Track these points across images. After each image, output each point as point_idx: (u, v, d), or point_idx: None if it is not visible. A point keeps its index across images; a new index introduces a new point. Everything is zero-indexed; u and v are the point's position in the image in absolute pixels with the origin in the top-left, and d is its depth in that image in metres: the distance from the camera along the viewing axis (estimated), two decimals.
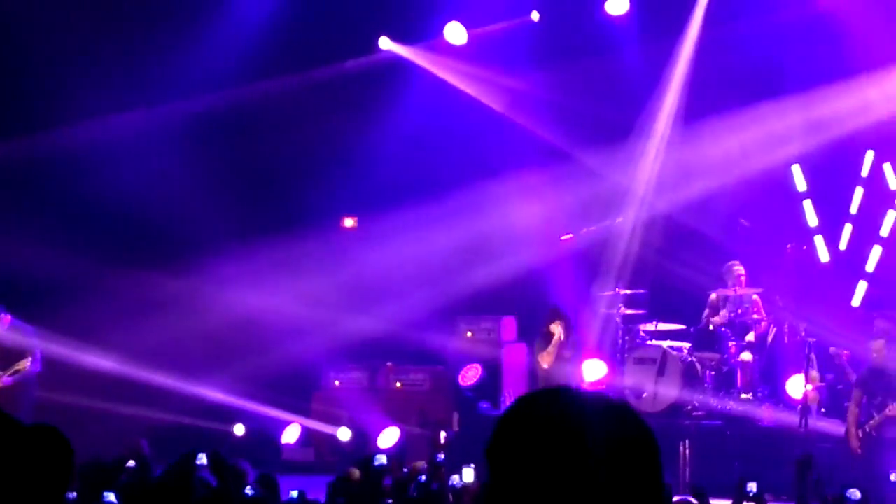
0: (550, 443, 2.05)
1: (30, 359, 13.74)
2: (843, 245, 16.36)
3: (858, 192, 16.37)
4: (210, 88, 16.13)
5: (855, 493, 9.45)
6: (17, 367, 13.73)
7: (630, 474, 2.06)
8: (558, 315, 14.75)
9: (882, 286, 15.89)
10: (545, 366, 14.64)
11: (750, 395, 14.95)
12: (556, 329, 14.63)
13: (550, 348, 14.61)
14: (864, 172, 16.38)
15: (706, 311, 15.57)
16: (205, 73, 15.98)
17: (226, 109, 16.23)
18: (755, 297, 15.44)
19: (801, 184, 16.61)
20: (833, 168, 16.39)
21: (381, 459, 11.03)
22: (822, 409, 14.34)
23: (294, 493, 9.27)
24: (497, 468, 2.09)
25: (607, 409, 2.12)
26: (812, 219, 16.55)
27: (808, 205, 16.57)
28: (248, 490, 8.73)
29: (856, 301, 16.13)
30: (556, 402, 2.11)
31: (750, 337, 15.30)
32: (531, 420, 2.10)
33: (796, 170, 16.58)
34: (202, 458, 9.10)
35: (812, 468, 8.15)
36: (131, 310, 15.25)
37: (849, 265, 16.33)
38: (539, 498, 2.04)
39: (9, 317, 13.91)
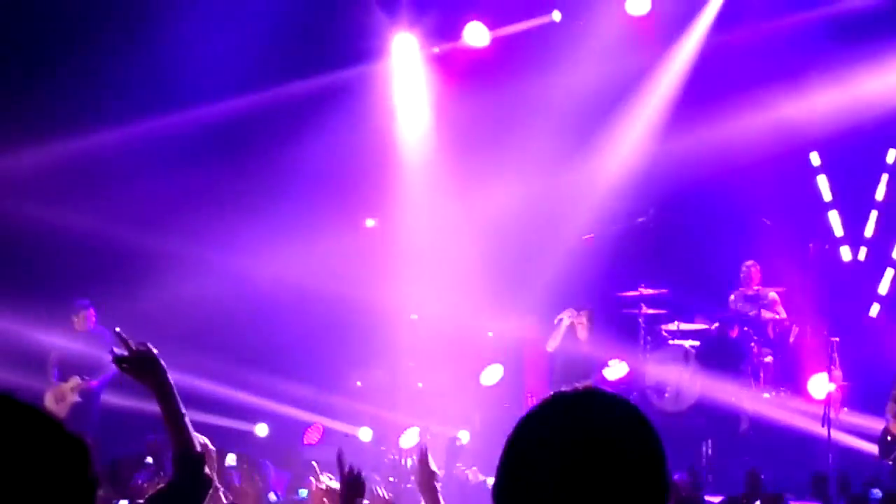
0: (559, 446, 2.08)
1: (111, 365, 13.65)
2: (868, 232, 16.37)
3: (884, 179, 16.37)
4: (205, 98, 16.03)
5: (877, 493, 9.43)
6: (100, 371, 13.69)
7: (634, 477, 2.08)
8: (576, 305, 15.04)
9: None
10: (548, 349, 15.06)
11: (772, 394, 14.92)
12: (566, 315, 14.88)
13: (556, 333, 14.94)
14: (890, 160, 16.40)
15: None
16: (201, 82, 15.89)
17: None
18: (773, 295, 15.42)
19: (823, 184, 16.61)
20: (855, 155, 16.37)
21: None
22: (845, 409, 14.29)
23: (303, 492, 9.22)
24: (508, 467, 2.12)
25: (616, 414, 2.15)
26: (826, 194, 16.56)
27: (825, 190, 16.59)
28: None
29: (882, 289, 16.09)
30: (569, 407, 2.15)
31: (767, 315, 15.32)
32: (545, 422, 2.13)
33: (814, 157, 16.61)
34: (231, 459, 9.08)
35: (828, 482, 8.12)
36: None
37: (874, 255, 16.31)
38: (544, 496, 2.07)
39: (95, 319, 14.04)
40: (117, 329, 4.35)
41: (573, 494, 2.05)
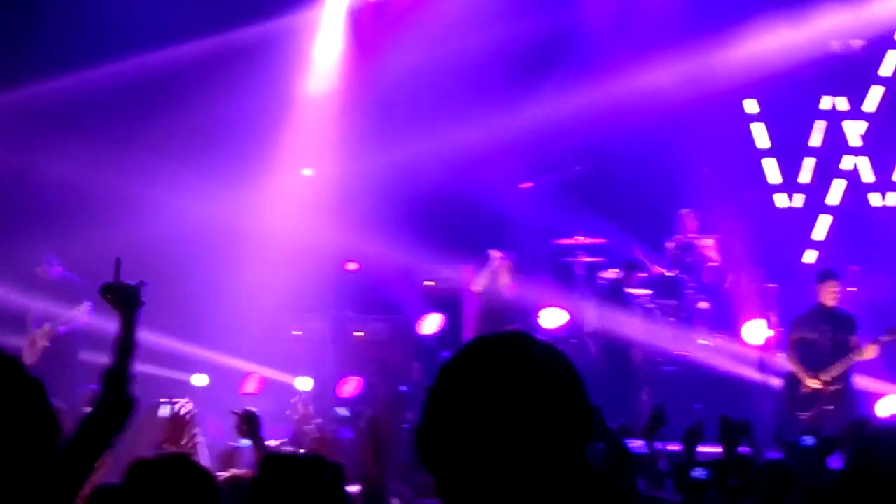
0: (478, 387, 2.15)
1: (80, 309, 13.77)
2: (803, 179, 16.55)
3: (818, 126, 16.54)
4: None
5: (808, 439, 9.52)
6: (66, 317, 13.88)
7: (553, 411, 2.14)
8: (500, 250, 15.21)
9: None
10: (474, 289, 15.25)
11: (708, 341, 15.06)
12: (494, 255, 15.08)
13: (484, 272, 15.13)
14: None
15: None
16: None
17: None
18: (709, 241, 15.56)
19: (759, 131, 16.74)
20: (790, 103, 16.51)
21: (342, 412, 11.06)
22: (780, 355, 14.44)
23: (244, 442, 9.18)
24: (429, 411, 2.20)
25: (533, 352, 2.22)
26: (764, 142, 16.69)
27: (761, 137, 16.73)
28: None
29: (817, 235, 16.28)
30: (486, 349, 2.23)
31: (706, 283, 15.42)
32: (463, 365, 2.21)
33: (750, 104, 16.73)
34: (164, 410, 9.03)
35: (700, 439, 8.12)
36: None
37: (810, 202, 16.49)
38: (464, 436, 2.13)
39: (59, 267, 14.11)
40: (118, 258, 4.76)
41: (492, 431, 2.10)
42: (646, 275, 15.50)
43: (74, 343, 14.10)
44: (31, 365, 12.91)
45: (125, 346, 4.50)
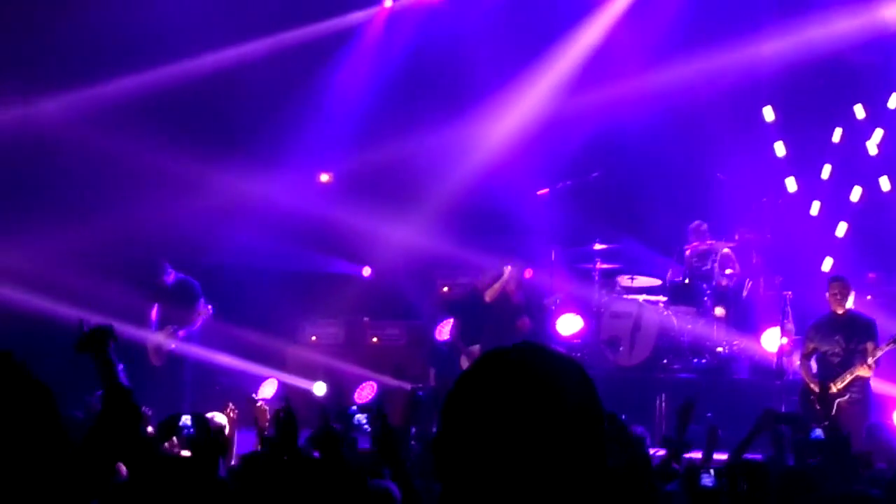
0: (494, 398, 2.19)
1: (198, 315, 14.29)
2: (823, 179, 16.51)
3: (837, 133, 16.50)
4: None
5: (819, 433, 9.45)
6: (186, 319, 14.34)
7: (568, 421, 2.18)
8: (512, 258, 15.16)
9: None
10: (487, 299, 15.09)
11: (725, 349, 15.01)
12: (506, 269, 14.98)
13: (496, 284, 15.03)
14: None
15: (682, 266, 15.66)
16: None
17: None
18: (727, 250, 15.48)
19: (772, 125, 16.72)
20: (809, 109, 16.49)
21: (358, 416, 11.03)
22: (797, 362, 14.38)
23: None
24: (448, 421, 2.24)
25: (547, 362, 2.25)
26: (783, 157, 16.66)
27: (779, 146, 16.68)
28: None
29: (839, 231, 16.23)
30: (502, 360, 2.26)
31: (723, 280, 15.34)
32: (480, 376, 2.24)
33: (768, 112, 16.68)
34: (186, 420, 9.02)
35: (691, 414, 8.12)
36: None
37: (828, 204, 16.43)
38: (482, 445, 2.17)
39: (173, 273, 14.58)
40: (80, 319, 4.95)
41: (508, 443, 2.15)
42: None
43: (193, 345, 14.57)
44: (158, 367, 13.95)
45: (110, 388, 4.58)
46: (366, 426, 11.00)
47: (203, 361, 14.53)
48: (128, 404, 4.51)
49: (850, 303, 12.61)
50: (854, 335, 12.49)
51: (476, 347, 14.49)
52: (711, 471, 6.84)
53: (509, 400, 2.17)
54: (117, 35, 15.28)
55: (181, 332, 14.39)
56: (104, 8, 15.21)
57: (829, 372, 12.47)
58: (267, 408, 9.15)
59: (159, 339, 14.46)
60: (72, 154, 15.36)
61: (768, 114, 16.70)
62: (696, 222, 15.66)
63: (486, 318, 15.05)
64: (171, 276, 14.68)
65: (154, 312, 14.66)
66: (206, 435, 6.53)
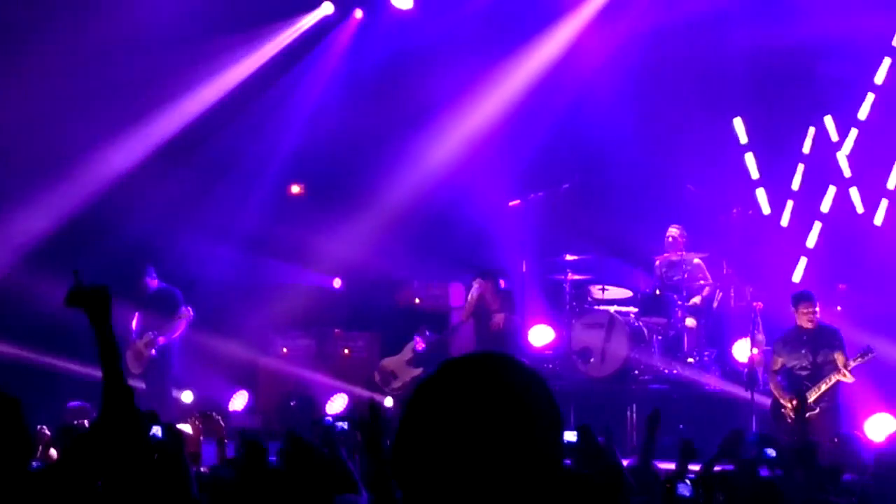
0: (451, 409, 2.18)
1: (179, 320, 14.29)
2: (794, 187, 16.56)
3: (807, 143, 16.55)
4: None
5: (771, 452, 9.50)
6: (165, 327, 14.31)
7: (525, 432, 2.18)
8: (480, 273, 15.42)
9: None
10: (464, 319, 15.53)
11: (696, 360, 15.04)
12: (474, 285, 15.32)
13: (468, 304, 15.39)
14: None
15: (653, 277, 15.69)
16: None
17: None
18: (698, 260, 15.52)
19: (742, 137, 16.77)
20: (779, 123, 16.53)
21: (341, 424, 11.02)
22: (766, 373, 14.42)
23: None
24: (405, 432, 2.22)
25: (508, 373, 2.25)
26: (754, 172, 16.69)
27: (749, 158, 16.72)
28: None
29: (810, 242, 16.27)
30: (461, 370, 2.25)
31: (695, 301, 15.38)
32: (438, 386, 2.24)
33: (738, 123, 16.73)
34: (156, 430, 8.97)
35: (659, 424, 8.16)
36: None
37: (799, 215, 16.47)
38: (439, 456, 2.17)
39: (156, 280, 14.55)
40: (75, 270, 4.50)
41: (465, 448, 2.15)
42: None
43: (172, 353, 14.52)
44: (136, 375, 13.81)
45: (108, 352, 4.26)
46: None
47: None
48: (128, 406, 4.19)
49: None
50: (820, 348, 12.62)
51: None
52: (688, 481, 6.89)
53: (466, 405, 2.18)
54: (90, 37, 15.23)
55: (161, 339, 14.33)
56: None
57: (798, 386, 12.55)
58: (219, 418, 9.15)
59: (139, 346, 14.40)
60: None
61: (738, 125, 16.75)
62: (673, 229, 15.61)
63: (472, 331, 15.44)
64: (154, 282, 14.62)
65: (135, 321, 14.60)
66: (180, 445, 6.48)
